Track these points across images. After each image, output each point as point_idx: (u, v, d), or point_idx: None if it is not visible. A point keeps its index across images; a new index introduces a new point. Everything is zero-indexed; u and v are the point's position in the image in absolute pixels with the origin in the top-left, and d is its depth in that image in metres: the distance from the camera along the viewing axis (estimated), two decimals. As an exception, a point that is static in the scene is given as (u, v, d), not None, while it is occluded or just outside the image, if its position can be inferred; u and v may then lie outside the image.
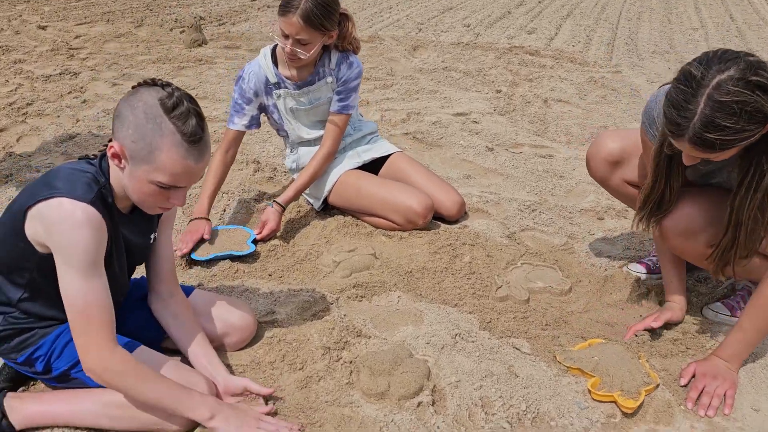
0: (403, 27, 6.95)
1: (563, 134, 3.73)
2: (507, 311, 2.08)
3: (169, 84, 1.44)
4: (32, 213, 1.40)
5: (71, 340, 1.57)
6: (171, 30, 6.46)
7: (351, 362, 1.82)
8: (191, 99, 1.44)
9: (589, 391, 1.71)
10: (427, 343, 1.89)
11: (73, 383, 1.59)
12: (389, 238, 2.55)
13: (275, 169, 3.18)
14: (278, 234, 2.55)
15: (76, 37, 6.05)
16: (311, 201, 2.75)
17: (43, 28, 6.43)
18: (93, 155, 1.56)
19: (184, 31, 6.21)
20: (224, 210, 2.76)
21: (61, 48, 5.57)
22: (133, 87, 1.46)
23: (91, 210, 1.38)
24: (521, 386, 1.73)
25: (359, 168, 2.68)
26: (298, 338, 1.91)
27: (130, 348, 1.60)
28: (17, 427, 1.56)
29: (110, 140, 1.53)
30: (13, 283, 1.53)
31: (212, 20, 7.13)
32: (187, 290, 1.86)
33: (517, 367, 1.81)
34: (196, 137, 1.41)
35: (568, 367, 1.81)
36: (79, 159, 1.55)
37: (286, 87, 2.51)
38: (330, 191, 2.63)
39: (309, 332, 1.94)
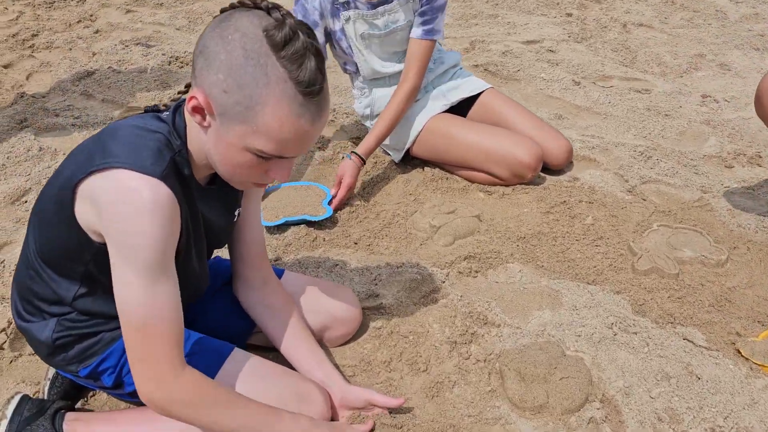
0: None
1: (655, 64, 3.25)
2: (658, 289, 1.70)
3: (276, 6, 1.01)
4: (82, 189, 1.02)
5: None
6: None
7: (485, 361, 1.46)
8: (308, 30, 1.01)
9: (740, 353, 1.36)
10: (578, 336, 1.52)
11: None
12: (488, 195, 2.15)
13: (347, 114, 2.74)
14: (355, 191, 2.15)
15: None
16: (390, 153, 2.33)
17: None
18: (164, 105, 1.15)
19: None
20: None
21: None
22: (222, 10, 1.03)
23: (163, 189, 1.00)
24: (708, 392, 1.37)
25: (446, 111, 2.25)
26: (414, 330, 1.54)
27: (223, 353, 1.25)
28: None
29: (188, 86, 1.12)
30: (64, 276, 1.15)
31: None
32: (276, 273, 1.48)
33: (696, 365, 1.44)
34: (315, 87, 0.98)
35: (759, 365, 1.45)
36: (146, 111, 1.14)
37: (356, 7, 2.05)
38: (414, 141, 2.21)
39: (426, 321, 1.57)
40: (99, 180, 1.00)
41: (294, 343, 1.35)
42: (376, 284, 1.69)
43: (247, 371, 1.23)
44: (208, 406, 1.09)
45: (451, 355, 1.47)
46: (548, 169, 2.24)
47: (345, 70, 2.29)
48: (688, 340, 1.51)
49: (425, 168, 2.29)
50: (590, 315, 1.58)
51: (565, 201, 2.07)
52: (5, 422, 1.23)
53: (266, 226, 1.94)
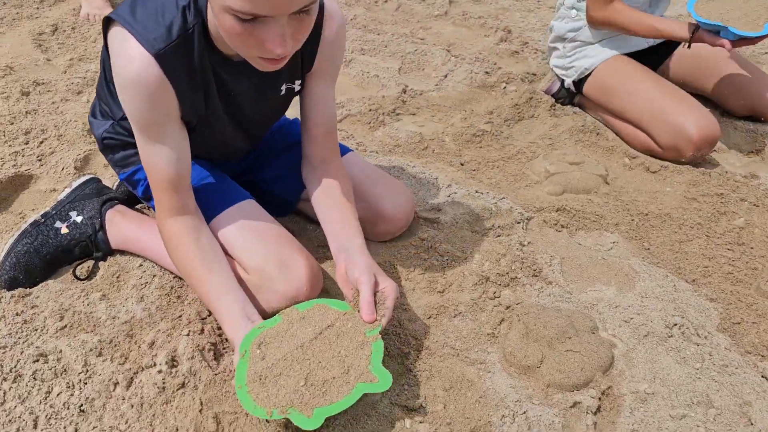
0: None
1: None
2: (774, 317, 1.34)
3: None
4: (111, 33, 1.07)
5: None
6: None
7: (508, 308, 1.30)
8: None
9: None
10: (626, 321, 1.28)
11: None
12: (633, 160, 1.86)
13: (525, 43, 2.56)
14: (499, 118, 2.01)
15: None
16: (561, 74, 2.10)
17: None
18: None
19: None
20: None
21: None
22: None
23: (151, 69, 1.04)
24: (753, 442, 1.07)
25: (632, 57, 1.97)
26: (453, 253, 1.43)
27: (234, 199, 1.28)
28: (112, 244, 1.37)
29: None
30: (115, 99, 1.26)
31: None
32: (342, 151, 1.47)
33: (758, 408, 1.13)
34: None
35: None
36: None
37: None
38: (591, 72, 1.98)
39: (470, 249, 1.44)
40: (112, 35, 1.06)
41: (329, 212, 1.28)
42: (446, 201, 1.59)
43: (245, 222, 1.25)
44: (177, 259, 1.19)
45: (475, 289, 1.34)
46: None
47: None
48: (766, 378, 1.18)
49: (582, 116, 2.05)
50: (656, 308, 1.31)
51: (722, 194, 1.70)
52: (68, 190, 1.44)
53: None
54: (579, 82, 2.02)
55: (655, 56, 2.05)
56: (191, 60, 1.09)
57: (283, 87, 1.27)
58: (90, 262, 1.37)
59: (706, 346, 1.23)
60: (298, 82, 1.27)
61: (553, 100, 2.12)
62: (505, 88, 2.23)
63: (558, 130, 1.99)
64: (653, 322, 1.27)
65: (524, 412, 1.08)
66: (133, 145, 1.29)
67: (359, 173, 1.44)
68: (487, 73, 2.30)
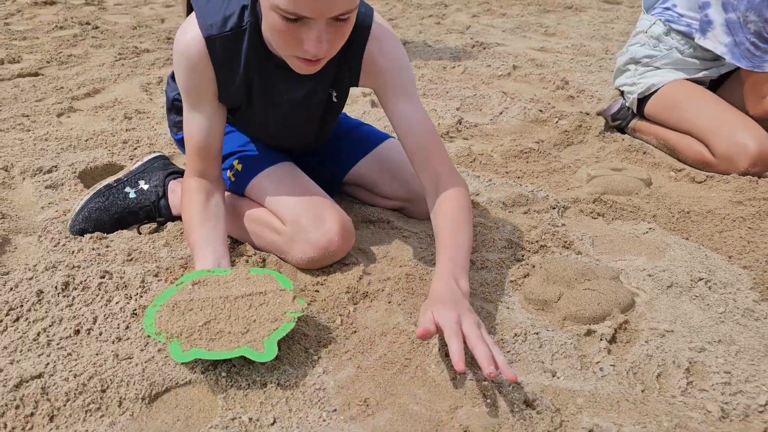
0: None
1: None
2: (813, 287, 1.31)
3: None
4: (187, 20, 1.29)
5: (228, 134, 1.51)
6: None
7: (534, 267, 1.35)
8: None
9: None
10: (650, 275, 1.29)
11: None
12: (678, 172, 1.89)
13: (582, 90, 2.69)
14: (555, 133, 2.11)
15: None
16: (627, 90, 2.19)
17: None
18: None
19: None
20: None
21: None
22: None
23: (199, 46, 1.23)
24: (775, 375, 1.04)
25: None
26: (485, 224, 1.51)
27: (275, 160, 1.44)
28: (173, 211, 1.55)
29: None
30: None
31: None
32: (380, 138, 1.61)
33: (784, 350, 1.10)
34: None
35: None
36: None
37: None
38: (656, 90, 2.08)
39: (502, 222, 1.52)
40: (185, 22, 1.26)
41: (440, 237, 1.22)
42: (484, 186, 1.69)
43: (284, 179, 1.39)
44: (183, 211, 1.33)
45: (503, 251, 1.40)
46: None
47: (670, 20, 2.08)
48: (797, 329, 1.15)
49: (633, 141, 2.12)
50: (683, 266, 1.31)
51: (769, 197, 1.70)
52: (140, 163, 1.64)
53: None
54: (641, 102, 2.12)
55: (713, 84, 2.12)
56: (238, 55, 1.25)
57: (332, 92, 1.36)
58: (153, 225, 1.55)
59: (730, 295, 1.22)
60: (335, 94, 1.37)
61: (605, 125, 2.21)
62: (557, 122, 2.34)
63: (605, 151, 2.07)
64: (678, 276, 1.28)
65: (536, 333, 1.12)
66: None
67: (398, 156, 1.57)
68: (541, 110, 2.43)
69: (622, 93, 2.23)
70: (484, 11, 4.85)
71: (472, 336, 0.94)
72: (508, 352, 1.09)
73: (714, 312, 1.18)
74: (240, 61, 1.26)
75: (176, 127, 1.61)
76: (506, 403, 0.95)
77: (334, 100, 1.39)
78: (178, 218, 1.55)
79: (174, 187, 1.56)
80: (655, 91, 2.08)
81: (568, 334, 1.12)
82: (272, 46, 1.24)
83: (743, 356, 1.08)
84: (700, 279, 1.27)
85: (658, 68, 2.10)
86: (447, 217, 1.22)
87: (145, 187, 1.57)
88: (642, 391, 1.00)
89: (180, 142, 1.63)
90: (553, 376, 1.03)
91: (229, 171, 1.48)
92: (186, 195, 1.34)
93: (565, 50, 3.59)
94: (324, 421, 0.94)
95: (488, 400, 0.96)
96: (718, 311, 1.18)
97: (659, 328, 1.14)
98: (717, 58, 2.05)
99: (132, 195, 1.55)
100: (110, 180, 1.58)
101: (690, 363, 1.06)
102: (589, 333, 1.13)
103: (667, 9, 2.08)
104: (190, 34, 1.23)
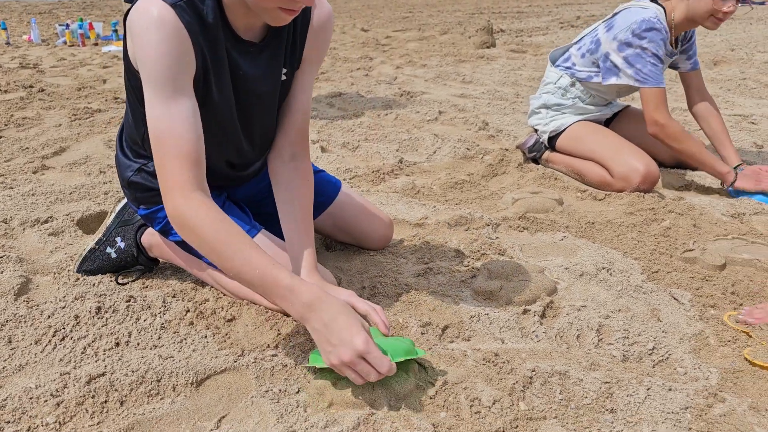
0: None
1: None
2: (686, 270, 1.73)
3: None
4: (128, 24, 1.16)
5: None
6: (470, 37, 6.83)
7: (479, 268, 1.71)
8: None
9: (746, 359, 1.33)
10: (566, 269, 1.68)
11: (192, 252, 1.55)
12: (582, 192, 2.33)
13: (500, 130, 3.14)
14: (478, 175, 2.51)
15: (386, 37, 6.79)
16: (539, 130, 2.62)
17: (365, 30, 7.36)
18: None
19: (473, 36, 6.52)
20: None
21: (369, 43, 6.31)
22: None
23: (169, 13, 1.11)
24: (659, 330, 1.43)
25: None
26: (435, 240, 1.86)
27: (249, 231, 1.46)
28: (153, 252, 1.66)
29: None
30: (135, 117, 1.38)
31: (511, 32, 7.33)
32: (333, 193, 1.72)
33: (665, 313, 1.50)
34: None
35: (759, 366, 1.36)
36: None
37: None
38: (564, 130, 2.53)
39: (449, 238, 1.88)
40: (133, 10, 1.15)
41: (290, 227, 1.40)
42: (433, 211, 2.05)
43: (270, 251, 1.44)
44: (208, 233, 1.12)
45: (453, 260, 1.76)
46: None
47: (571, 71, 2.54)
48: (675, 298, 1.56)
49: (545, 170, 2.55)
50: (591, 261, 1.71)
51: (653, 208, 2.15)
52: (113, 216, 1.73)
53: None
54: (551, 138, 2.56)
55: (607, 122, 2.63)
56: (206, 21, 1.17)
57: (283, 73, 1.36)
58: (138, 271, 1.70)
59: (626, 279, 1.62)
60: (285, 71, 1.36)
61: (524, 156, 2.65)
62: (483, 157, 2.76)
63: (524, 179, 2.49)
64: (587, 267, 1.67)
65: (487, 314, 1.47)
66: (158, 191, 1.25)
67: (350, 211, 1.72)
68: (468, 149, 2.85)
69: (536, 130, 2.68)
70: (406, 63, 5.34)
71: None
72: (468, 329, 1.43)
73: (614, 291, 1.58)
74: (209, 26, 1.18)
75: (142, 202, 1.53)
76: (472, 362, 1.28)
77: (284, 77, 1.36)
78: (158, 261, 1.70)
79: (147, 239, 1.66)
80: (564, 129, 2.53)
81: (510, 313, 1.47)
82: (236, 19, 1.21)
83: (636, 319, 1.47)
84: (603, 268, 1.67)
85: (564, 113, 2.57)
86: (304, 206, 1.38)
87: (123, 245, 1.66)
88: (567, 348, 1.36)
89: (151, 219, 1.54)
90: (503, 342, 1.38)
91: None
92: (200, 214, 1.13)
93: (481, 96, 4.08)
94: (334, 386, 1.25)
95: (458, 360, 1.29)
96: (617, 290, 1.58)
97: (576, 304, 1.52)
98: (608, 103, 2.55)
99: (114, 255, 1.67)
100: (92, 244, 1.69)
101: (599, 326, 1.43)
102: (525, 311, 1.49)
103: (569, 68, 2.55)
104: (153, 5, 1.11)
